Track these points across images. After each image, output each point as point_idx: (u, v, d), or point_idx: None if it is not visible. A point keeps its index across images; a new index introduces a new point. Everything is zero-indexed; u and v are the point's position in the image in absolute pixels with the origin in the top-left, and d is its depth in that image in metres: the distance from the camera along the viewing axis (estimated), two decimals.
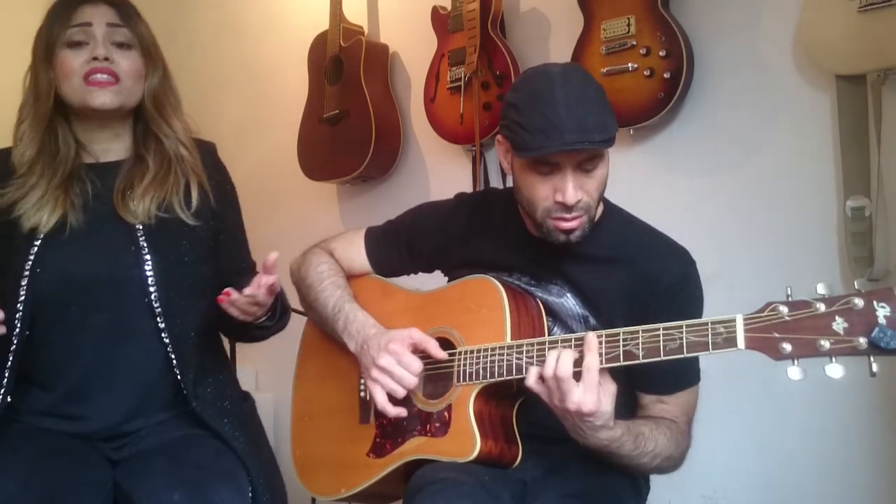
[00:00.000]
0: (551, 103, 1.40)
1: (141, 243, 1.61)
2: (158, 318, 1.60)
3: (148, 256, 1.60)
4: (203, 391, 1.65)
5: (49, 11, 1.64)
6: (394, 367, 1.53)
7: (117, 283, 1.60)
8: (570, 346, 1.37)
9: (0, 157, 1.66)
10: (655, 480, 1.66)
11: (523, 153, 1.45)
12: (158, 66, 1.68)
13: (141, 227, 1.62)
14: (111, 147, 1.69)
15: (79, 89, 1.59)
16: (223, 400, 1.69)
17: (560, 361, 1.34)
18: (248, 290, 1.51)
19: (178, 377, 1.62)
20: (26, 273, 1.56)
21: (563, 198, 1.44)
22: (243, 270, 1.81)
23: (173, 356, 1.61)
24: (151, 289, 1.60)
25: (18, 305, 1.56)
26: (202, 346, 1.68)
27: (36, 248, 1.58)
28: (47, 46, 1.61)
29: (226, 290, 1.53)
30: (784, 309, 1.18)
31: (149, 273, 1.60)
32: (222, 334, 1.82)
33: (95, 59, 1.59)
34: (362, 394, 1.68)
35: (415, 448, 1.55)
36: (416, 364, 1.53)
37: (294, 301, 1.87)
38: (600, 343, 1.34)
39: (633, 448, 1.43)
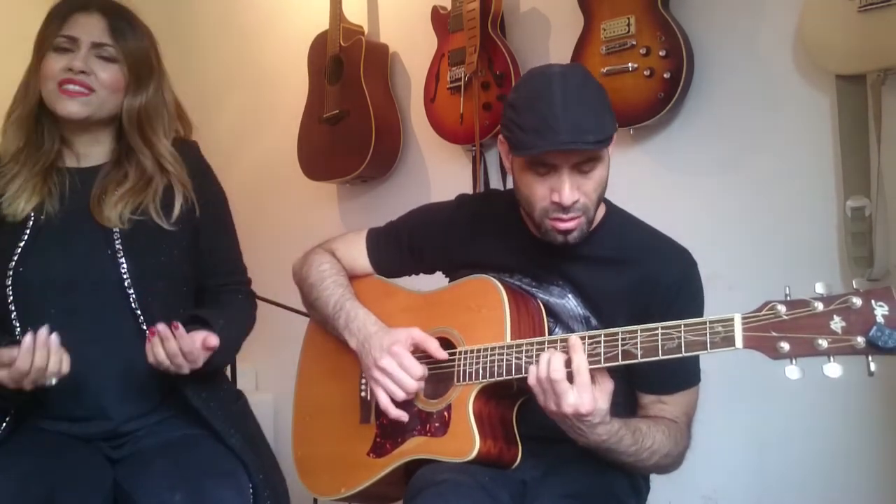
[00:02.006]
0: (548, 103, 1.41)
1: (116, 246, 1.62)
2: (140, 321, 1.60)
3: (123, 259, 1.61)
4: (194, 388, 1.64)
5: (48, 13, 1.66)
6: (395, 370, 1.53)
7: (95, 285, 1.61)
8: (556, 348, 1.37)
9: None
10: (655, 480, 1.66)
11: (519, 152, 1.46)
12: (146, 84, 1.69)
13: (117, 231, 1.63)
14: (90, 151, 1.72)
15: (51, 93, 1.63)
16: (215, 397, 1.68)
17: (551, 362, 1.34)
18: (185, 344, 1.50)
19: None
20: (10, 272, 1.57)
21: (560, 198, 1.45)
22: (231, 271, 1.81)
23: None
24: (129, 290, 1.60)
25: (10, 306, 1.57)
26: None
27: (20, 248, 1.59)
28: (38, 49, 1.65)
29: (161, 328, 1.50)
30: (782, 308, 1.18)
31: (125, 276, 1.61)
32: None
33: (71, 69, 1.61)
34: (363, 394, 1.68)
35: (415, 448, 1.56)
36: (418, 368, 1.54)
37: (296, 301, 1.88)
38: (598, 343, 1.34)
39: (631, 444, 1.43)
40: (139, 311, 1.60)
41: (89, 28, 1.64)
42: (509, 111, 1.48)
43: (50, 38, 1.63)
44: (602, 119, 1.44)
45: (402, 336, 1.57)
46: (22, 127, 1.66)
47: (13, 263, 1.57)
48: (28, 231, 1.61)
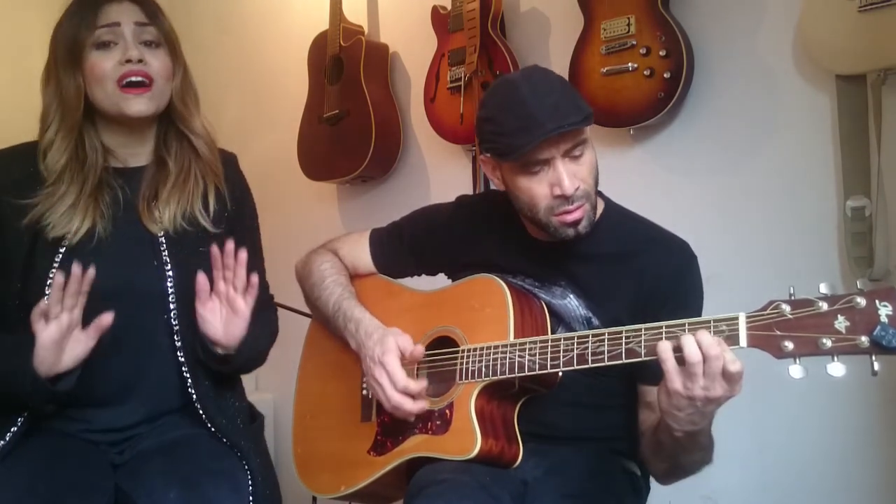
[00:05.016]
0: (521, 102, 1.43)
1: (164, 257, 1.59)
2: (175, 336, 1.58)
3: (171, 272, 1.58)
4: (216, 410, 1.62)
5: (69, 11, 1.57)
6: (386, 382, 1.53)
7: (137, 296, 1.57)
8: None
9: (26, 157, 1.60)
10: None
11: (510, 157, 1.46)
12: (181, 63, 1.63)
13: (163, 239, 1.60)
14: (138, 151, 1.66)
15: (112, 95, 1.55)
16: (234, 419, 1.66)
17: (702, 342, 1.23)
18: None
19: (193, 394, 1.59)
20: (50, 277, 1.51)
21: (562, 189, 1.45)
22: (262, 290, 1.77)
23: (187, 374, 1.59)
24: (171, 305, 1.57)
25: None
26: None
27: (61, 255, 1.53)
28: (72, 49, 1.54)
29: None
30: (786, 307, 1.19)
31: (170, 289, 1.57)
32: None
33: (129, 61, 1.53)
34: (364, 392, 1.68)
35: (415, 446, 1.55)
36: (401, 377, 1.53)
37: (296, 301, 1.87)
38: (602, 341, 1.34)
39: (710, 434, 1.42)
40: (177, 327, 1.57)
41: (126, 12, 1.56)
42: (485, 125, 1.50)
43: (84, 35, 1.53)
44: (576, 100, 1.48)
45: (390, 346, 1.55)
46: (65, 143, 1.56)
47: (54, 269, 1.51)
48: (65, 243, 1.54)
